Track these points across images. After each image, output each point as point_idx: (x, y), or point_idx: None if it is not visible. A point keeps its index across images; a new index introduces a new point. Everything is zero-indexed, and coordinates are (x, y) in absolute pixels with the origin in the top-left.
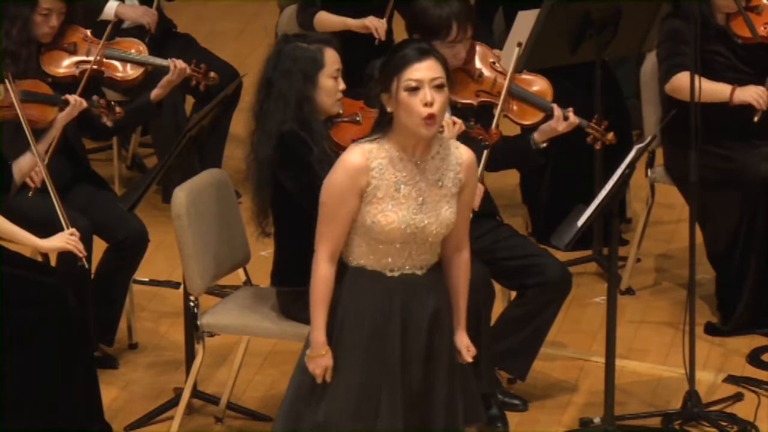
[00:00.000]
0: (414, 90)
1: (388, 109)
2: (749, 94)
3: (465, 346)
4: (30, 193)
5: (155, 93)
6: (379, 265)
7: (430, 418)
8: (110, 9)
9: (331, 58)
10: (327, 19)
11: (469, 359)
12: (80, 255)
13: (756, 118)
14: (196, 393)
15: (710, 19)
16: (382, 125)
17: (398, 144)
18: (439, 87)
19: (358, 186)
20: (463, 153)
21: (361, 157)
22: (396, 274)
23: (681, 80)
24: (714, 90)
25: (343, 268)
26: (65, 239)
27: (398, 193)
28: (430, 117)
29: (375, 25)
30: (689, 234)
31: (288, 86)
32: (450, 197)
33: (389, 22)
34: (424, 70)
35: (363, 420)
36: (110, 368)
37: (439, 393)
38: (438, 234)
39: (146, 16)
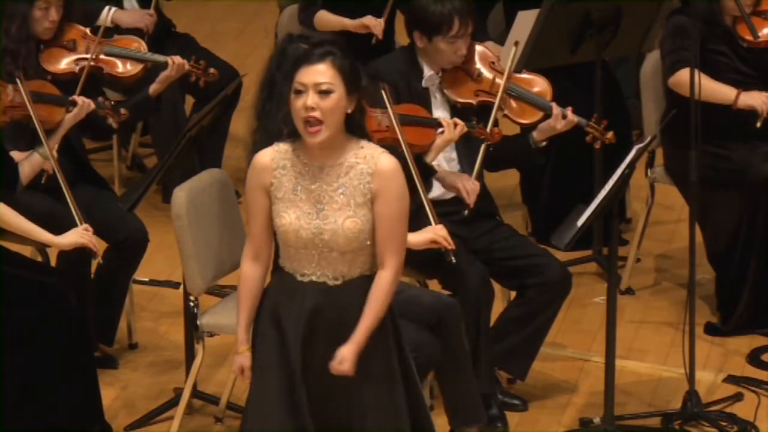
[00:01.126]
0: (299, 93)
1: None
2: (756, 99)
3: (339, 358)
4: (42, 180)
5: (153, 87)
6: (292, 267)
7: (348, 419)
8: (106, 15)
9: None
10: (327, 19)
11: (337, 369)
12: (95, 250)
13: (759, 124)
14: (196, 393)
15: (718, 19)
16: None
17: (304, 146)
18: (325, 92)
19: (263, 183)
20: (379, 162)
21: (269, 157)
22: (306, 279)
23: (685, 76)
24: (718, 90)
25: (274, 267)
26: (80, 234)
27: (295, 195)
28: (307, 121)
29: (373, 23)
30: (689, 234)
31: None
32: (354, 207)
33: (390, 22)
34: (312, 74)
35: (277, 422)
36: (110, 368)
37: (356, 395)
38: (338, 243)
39: (143, 20)
